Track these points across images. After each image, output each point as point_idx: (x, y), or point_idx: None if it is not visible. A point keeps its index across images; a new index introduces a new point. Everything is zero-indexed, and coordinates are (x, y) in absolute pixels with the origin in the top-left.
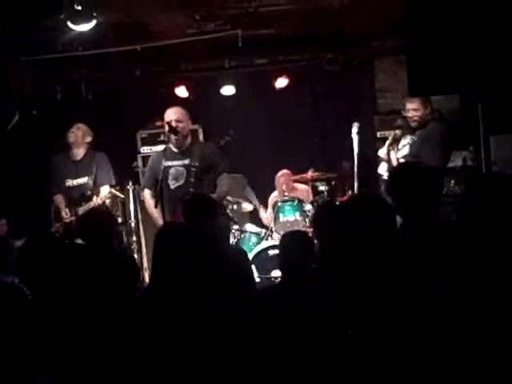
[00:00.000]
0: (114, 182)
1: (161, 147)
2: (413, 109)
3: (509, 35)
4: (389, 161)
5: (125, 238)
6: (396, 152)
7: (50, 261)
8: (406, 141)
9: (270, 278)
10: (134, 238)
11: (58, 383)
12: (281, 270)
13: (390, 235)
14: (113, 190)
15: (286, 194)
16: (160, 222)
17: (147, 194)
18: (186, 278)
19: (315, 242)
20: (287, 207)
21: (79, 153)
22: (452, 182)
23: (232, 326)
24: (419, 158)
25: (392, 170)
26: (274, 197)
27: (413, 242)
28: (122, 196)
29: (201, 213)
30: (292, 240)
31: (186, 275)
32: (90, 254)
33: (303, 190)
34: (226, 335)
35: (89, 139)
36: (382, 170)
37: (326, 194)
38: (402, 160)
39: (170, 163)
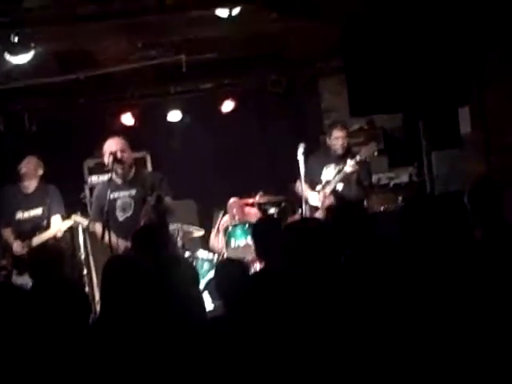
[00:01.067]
0: (64, 214)
1: (107, 176)
2: (342, 136)
3: (445, 54)
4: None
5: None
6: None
7: None
8: (330, 170)
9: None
10: (85, 271)
11: None
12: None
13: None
14: (76, 217)
15: (236, 218)
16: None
17: (97, 226)
18: (135, 310)
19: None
20: (238, 231)
21: (31, 185)
22: (399, 198)
23: (182, 353)
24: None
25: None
26: (224, 221)
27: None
28: (86, 221)
29: (150, 244)
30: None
31: (134, 307)
32: (35, 291)
33: (254, 213)
34: (176, 362)
35: (40, 172)
36: (316, 200)
37: (276, 216)
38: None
39: (116, 195)
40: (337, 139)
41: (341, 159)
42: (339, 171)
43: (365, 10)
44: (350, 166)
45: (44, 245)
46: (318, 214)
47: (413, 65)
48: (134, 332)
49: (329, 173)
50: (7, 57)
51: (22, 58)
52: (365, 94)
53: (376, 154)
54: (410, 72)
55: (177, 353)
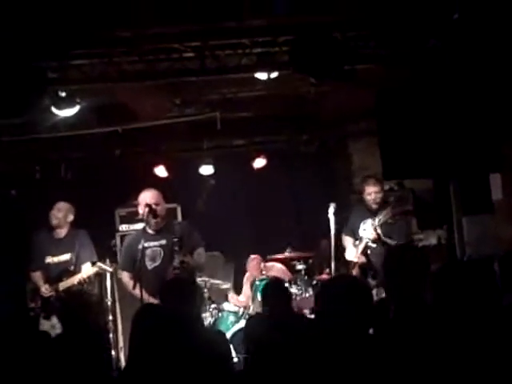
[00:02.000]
0: (96, 259)
1: (139, 225)
2: (375, 191)
3: (478, 120)
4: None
5: (101, 317)
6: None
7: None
8: (368, 224)
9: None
10: (110, 317)
11: None
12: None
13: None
14: (100, 264)
15: (263, 272)
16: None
17: (125, 276)
18: (162, 361)
19: None
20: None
21: (62, 231)
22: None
23: None
24: (390, 237)
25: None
26: (248, 276)
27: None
28: (110, 269)
29: (179, 297)
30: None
31: (162, 358)
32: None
33: (279, 269)
34: None
35: (71, 218)
36: (352, 255)
37: (303, 272)
38: (370, 244)
39: (146, 244)
40: (370, 194)
41: (376, 215)
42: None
43: (400, 77)
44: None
45: (73, 292)
46: (354, 271)
47: (445, 130)
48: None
49: (366, 228)
50: (54, 110)
51: (68, 112)
52: (397, 158)
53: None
54: (442, 137)
55: None
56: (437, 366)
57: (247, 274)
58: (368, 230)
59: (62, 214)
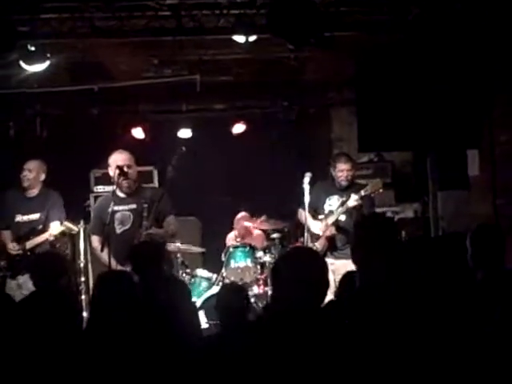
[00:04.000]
0: (64, 221)
1: (112, 187)
2: (347, 169)
3: (457, 95)
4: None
5: (73, 278)
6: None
7: None
8: (334, 201)
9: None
10: (83, 279)
11: None
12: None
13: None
14: (67, 223)
15: (238, 240)
16: (112, 264)
17: (95, 240)
18: (121, 328)
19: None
20: (239, 253)
21: (34, 191)
22: (403, 232)
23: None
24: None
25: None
26: (230, 238)
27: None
28: (76, 228)
29: (146, 260)
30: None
31: (121, 324)
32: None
33: (258, 235)
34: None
35: (43, 177)
36: (317, 228)
37: (277, 241)
38: (342, 216)
39: (116, 208)
40: (341, 171)
41: (344, 191)
42: (342, 203)
43: (379, 47)
44: (353, 200)
45: (48, 252)
46: (318, 244)
47: (424, 104)
48: (120, 343)
49: (332, 203)
50: (23, 65)
51: (38, 67)
52: (375, 130)
53: (381, 190)
54: (421, 111)
55: (163, 364)
56: (403, 341)
57: (229, 236)
58: (336, 204)
59: (33, 175)
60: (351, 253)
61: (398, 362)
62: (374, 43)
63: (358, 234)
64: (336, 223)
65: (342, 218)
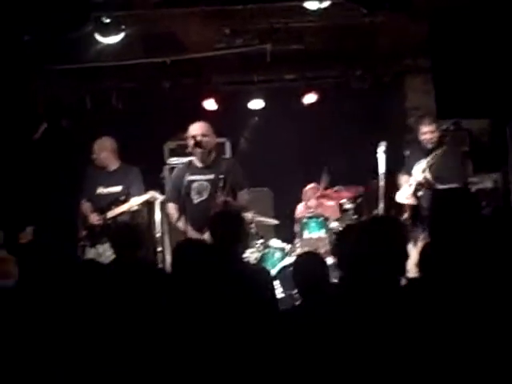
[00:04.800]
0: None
1: (188, 159)
2: (430, 131)
3: None
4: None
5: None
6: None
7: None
8: (421, 165)
9: (294, 294)
10: (159, 249)
11: None
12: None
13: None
14: (152, 192)
15: (311, 210)
16: (189, 231)
17: (171, 207)
18: (203, 295)
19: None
20: (312, 224)
21: (112, 166)
22: (483, 203)
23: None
24: (441, 180)
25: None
26: (300, 211)
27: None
28: (160, 196)
29: (226, 230)
30: (305, 263)
31: (202, 292)
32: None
33: (330, 206)
34: (244, 352)
35: (115, 150)
36: (403, 197)
37: (352, 212)
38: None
39: (193, 177)
40: (425, 134)
41: (430, 154)
42: (429, 167)
43: (455, 9)
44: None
45: (126, 222)
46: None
47: (504, 69)
48: (199, 311)
49: (420, 168)
50: (98, 37)
51: (112, 39)
52: (453, 97)
53: None
54: (501, 75)
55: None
56: (485, 311)
57: (299, 208)
58: (418, 171)
59: (105, 154)
60: (431, 225)
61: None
62: (449, 5)
63: (437, 206)
64: (416, 193)
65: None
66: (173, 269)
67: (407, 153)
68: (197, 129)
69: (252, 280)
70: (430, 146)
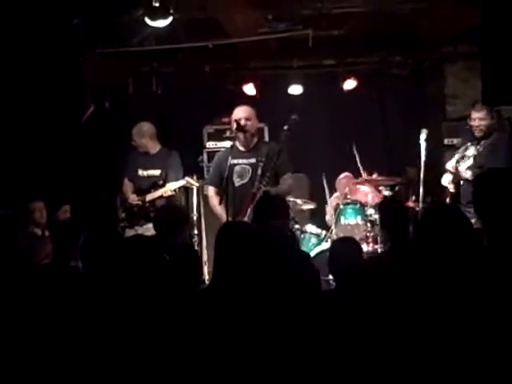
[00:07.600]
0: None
1: (226, 143)
2: (479, 118)
3: None
4: (456, 173)
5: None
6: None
7: (111, 253)
8: (470, 151)
9: (329, 279)
10: (196, 232)
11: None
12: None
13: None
14: (188, 178)
15: (348, 196)
16: (224, 218)
17: (211, 190)
18: (247, 280)
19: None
20: (349, 210)
21: (153, 150)
22: None
23: (287, 331)
24: (484, 169)
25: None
26: (334, 198)
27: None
28: (197, 183)
29: (272, 214)
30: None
31: (246, 277)
32: (154, 246)
33: (365, 192)
34: (285, 340)
35: (154, 135)
36: (446, 181)
37: (389, 198)
38: (467, 171)
39: (235, 161)
40: (474, 120)
41: (479, 143)
42: (475, 156)
43: None
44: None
45: (172, 206)
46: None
47: None
48: (244, 298)
49: (468, 154)
50: (147, 21)
51: (161, 23)
52: (499, 82)
53: None
54: None
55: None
56: None
57: (334, 196)
58: (453, 162)
59: (144, 140)
60: (474, 209)
61: None
62: None
63: (480, 189)
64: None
65: (468, 173)
66: (216, 251)
67: (458, 140)
68: (241, 112)
69: (297, 264)
70: (478, 134)
